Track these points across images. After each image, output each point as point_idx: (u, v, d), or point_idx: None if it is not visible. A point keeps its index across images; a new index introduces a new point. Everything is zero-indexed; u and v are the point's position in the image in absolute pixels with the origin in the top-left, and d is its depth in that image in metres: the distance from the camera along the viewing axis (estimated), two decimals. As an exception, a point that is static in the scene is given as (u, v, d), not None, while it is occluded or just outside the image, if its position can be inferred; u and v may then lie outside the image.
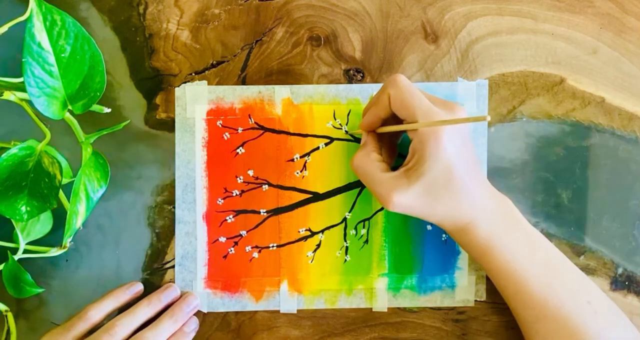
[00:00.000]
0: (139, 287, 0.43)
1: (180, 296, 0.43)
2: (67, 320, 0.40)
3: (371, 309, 0.45)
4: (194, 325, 0.43)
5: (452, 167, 0.36)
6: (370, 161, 0.38)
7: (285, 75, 0.44)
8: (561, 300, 0.38)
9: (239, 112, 0.44)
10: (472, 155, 0.38)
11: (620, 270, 0.45)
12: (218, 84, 0.44)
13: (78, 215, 0.38)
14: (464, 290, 0.45)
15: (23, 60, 0.34)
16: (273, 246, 0.44)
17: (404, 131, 0.41)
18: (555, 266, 0.39)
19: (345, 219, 0.45)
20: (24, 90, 0.35)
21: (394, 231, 0.45)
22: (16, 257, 0.40)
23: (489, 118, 0.30)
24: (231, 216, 0.44)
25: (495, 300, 0.44)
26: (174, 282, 0.44)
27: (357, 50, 0.44)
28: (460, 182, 0.36)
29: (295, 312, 0.44)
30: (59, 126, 0.41)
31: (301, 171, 0.44)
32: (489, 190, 0.39)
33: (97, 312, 0.40)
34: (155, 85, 0.44)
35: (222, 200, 0.44)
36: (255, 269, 0.44)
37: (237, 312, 0.44)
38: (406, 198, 0.36)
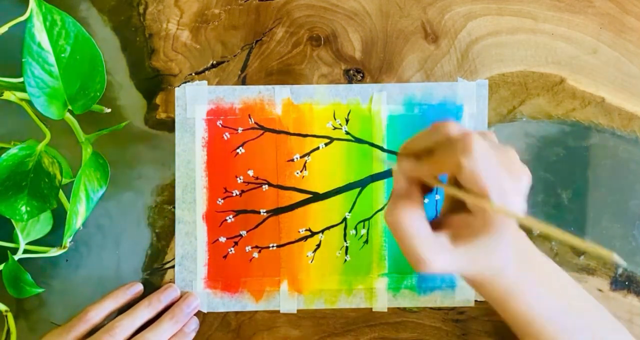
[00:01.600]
0: (138, 288, 0.43)
1: (181, 296, 0.43)
2: (67, 321, 0.40)
3: (371, 309, 0.45)
4: (194, 325, 0.43)
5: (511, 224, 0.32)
6: (417, 219, 0.31)
7: (285, 75, 0.44)
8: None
9: (239, 112, 0.44)
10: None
11: (620, 270, 0.45)
12: (218, 84, 0.44)
13: (78, 215, 0.38)
14: (464, 290, 0.45)
15: (23, 60, 0.34)
16: (273, 246, 0.44)
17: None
18: (571, 304, 0.36)
19: (345, 219, 0.45)
20: (24, 90, 0.35)
21: (394, 231, 0.45)
22: (16, 257, 0.40)
23: (624, 264, 0.28)
24: (231, 216, 0.44)
25: (495, 300, 0.44)
26: (174, 282, 0.44)
27: (357, 50, 0.44)
28: (500, 248, 0.32)
29: (295, 312, 0.44)
30: (59, 126, 0.41)
31: (301, 171, 0.44)
32: (515, 235, 0.35)
33: (97, 313, 0.40)
34: (155, 85, 0.44)
35: (222, 200, 0.44)
36: (255, 269, 0.44)
37: (237, 312, 0.44)
38: (450, 265, 0.31)
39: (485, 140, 0.31)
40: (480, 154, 0.30)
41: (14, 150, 0.37)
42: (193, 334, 0.43)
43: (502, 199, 0.30)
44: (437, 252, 0.31)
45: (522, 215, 0.30)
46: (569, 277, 0.37)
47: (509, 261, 0.33)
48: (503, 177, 0.31)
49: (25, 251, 0.41)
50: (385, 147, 0.44)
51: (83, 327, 0.40)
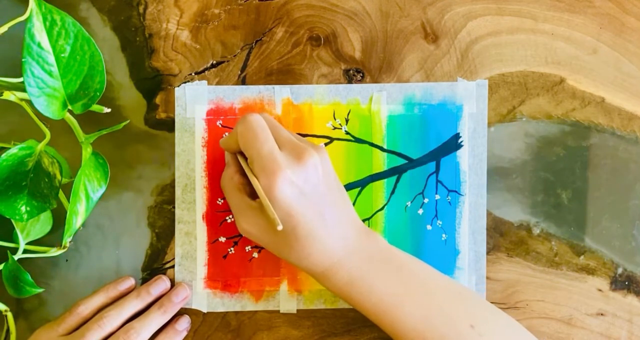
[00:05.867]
0: (130, 282, 0.43)
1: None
2: (58, 315, 0.41)
3: (371, 309, 0.45)
4: (185, 323, 0.43)
5: (292, 213, 0.35)
6: (233, 183, 0.38)
7: (285, 75, 0.44)
8: (440, 332, 0.36)
9: (238, 112, 0.44)
10: (326, 195, 0.36)
11: (620, 270, 0.45)
12: (218, 84, 0.44)
13: (78, 215, 0.38)
14: (464, 290, 0.45)
15: (23, 60, 0.34)
16: (273, 246, 0.44)
17: None
18: (431, 297, 0.37)
19: (345, 219, 0.44)
20: (24, 90, 0.35)
21: (394, 231, 0.45)
22: (16, 257, 0.40)
23: (280, 227, 0.34)
24: (231, 216, 0.44)
25: (495, 300, 0.44)
26: (173, 282, 0.44)
27: (357, 50, 0.44)
28: (306, 228, 0.35)
29: (295, 312, 0.44)
30: (59, 126, 0.41)
31: (301, 171, 0.44)
32: (354, 229, 0.38)
33: (86, 307, 0.41)
34: (155, 85, 0.44)
35: (222, 200, 0.44)
36: (255, 269, 0.44)
37: (237, 312, 0.44)
38: (253, 229, 0.37)
39: (271, 121, 0.38)
40: (252, 124, 0.36)
41: (13, 150, 0.37)
42: (185, 333, 0.43)
43: (262, 161, 0.35)
44: (242, 216, 0.37)
45: (272, 211, 0.34)
46: (427, 267, 0.39)
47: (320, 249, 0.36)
48: (273, 151, 0.35)
49: (25, 251, 0.41)
50: (385, 147, 0.44)
51: (73, 320, 0.40)
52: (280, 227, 0.34)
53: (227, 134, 0.44)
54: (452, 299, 0.38)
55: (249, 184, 0.39)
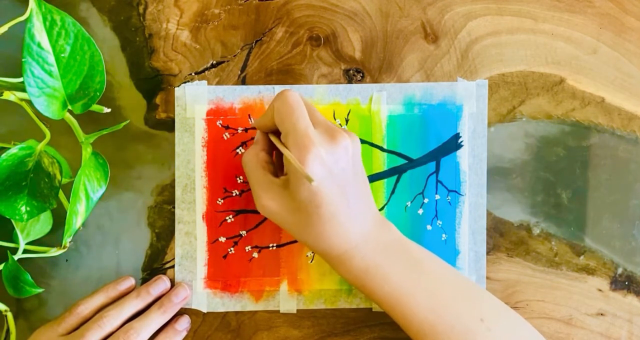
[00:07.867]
0: (130, 282, 0.43)
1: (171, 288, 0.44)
2: (58, 315, 0.41)
3: (371, 309, 0.45)
4: (185, 323, 0.43)
5: (318, 194, 0.35)
6: (257, 160, 0.38)
7: (285, 75, 0.44)
8: (450, 325, 0.36)
9: (238, 112, 0.44)
10: (351, 179, 0.36)
11: (620, 270, 0.45)
12: (218, 84, 0.44)
13: (78, 215, 0.38)
14: (464, 290, 0.45)
15: (23, 60, 0.34)
16: (273, 246, 0.44)
17: None
18: (442, 289, 0.37)
19: (345, 219, 0.44)
20: (24, 90, 0.35)
21: (393, 231, 0.45)
22: (16, 257, 0.40)
23: (315, 182, 0.33)
24: (231, 216, 0.44)
25: (495, 300, 0.45)
26: (173, 282, 0.44)
27: (357, 50, 0.44)
28: (330, 209, 0.35)
29: (295, 312, 0.44)
30: (59, 126, 0.41)
31: (301, 171, 0.44)
32: (372, 217, 0.38)
33: (86, 307, 0.41)
34: (155, 85, 0.44)
35: (222, 200, 0.44)
36: (255, 269, 0.44)
37: (237, 312, 0.44)
38: (276, 206, 0.37)
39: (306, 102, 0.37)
40: (290, 99, 0.36)
41: (14, 150, 0.37)
42: (184, 333, 0.43)
43: (296, 136, 0.35)
44: (266, 192, 0.37)
45: (313, 179, 0.33)
46: (439, 260, 0.39)
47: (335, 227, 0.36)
48: (308, 127, 0.35)
49: (25, 251, 0.41)
50: (385, 147, 0.44)
51: (73, 319, 0.40)
52: (315, 182, 0.33)
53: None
54: (463, 293, 0.38)
55: (272, 162, 0.39)
